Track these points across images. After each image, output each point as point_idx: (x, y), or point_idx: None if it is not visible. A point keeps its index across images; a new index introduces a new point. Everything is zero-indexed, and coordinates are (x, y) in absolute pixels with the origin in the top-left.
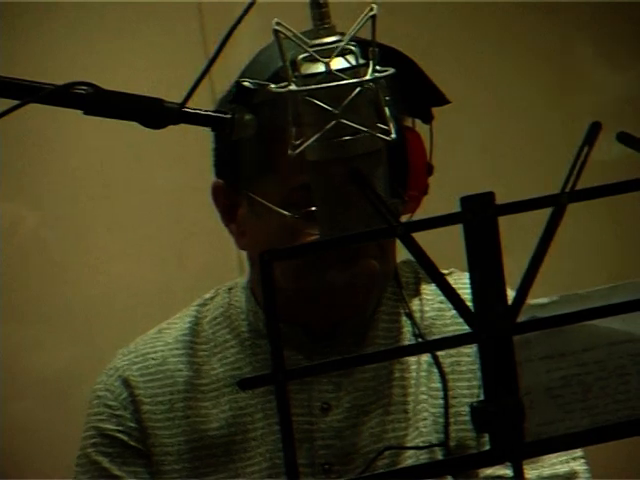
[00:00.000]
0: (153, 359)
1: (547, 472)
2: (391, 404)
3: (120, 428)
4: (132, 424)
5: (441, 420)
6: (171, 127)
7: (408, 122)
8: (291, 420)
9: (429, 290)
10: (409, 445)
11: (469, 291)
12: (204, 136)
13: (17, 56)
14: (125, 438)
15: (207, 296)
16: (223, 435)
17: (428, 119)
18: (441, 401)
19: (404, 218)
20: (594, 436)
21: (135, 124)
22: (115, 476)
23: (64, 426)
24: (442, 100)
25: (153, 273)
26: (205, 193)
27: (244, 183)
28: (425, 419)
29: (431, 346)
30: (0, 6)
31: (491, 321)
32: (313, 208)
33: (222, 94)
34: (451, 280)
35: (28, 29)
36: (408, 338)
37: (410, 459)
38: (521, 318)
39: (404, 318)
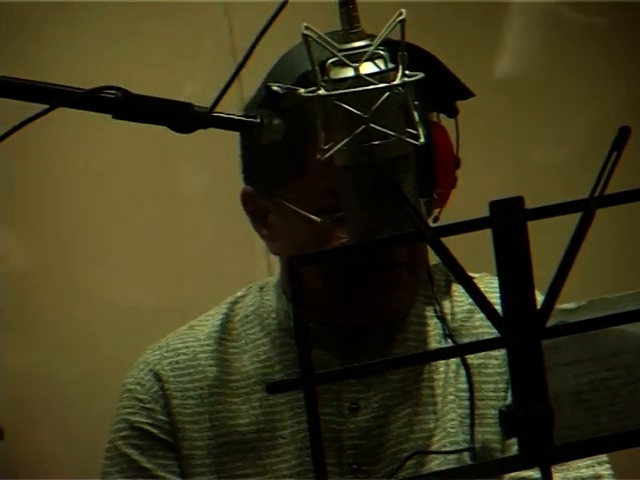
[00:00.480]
0: (184, 354)
1: (572, 475)
2: (419, 404)
3: (150, 421)
4: (162, 417)
5: (467, 421)
6: (199, 131)
7: (433, 117)
8: (319, 423)
9: (459, 292)
10: (436, 445)
11: (498, 295)
12: (232, 140)
13: (38, 58)
14: (155, 431)
15: (239, 294)
16: (252, 432)
17: (453, 113)
18: (467, 402)
19: (434, 212)
20: (622, 441)
21: (159, 128)
22: (145, 468)
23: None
24: (466, 93)
25: (174, 281)
26: (234, 198)
27: (273, 189)
28: (452, 420)
29: (460, 350)
30: (19, 6)
31: (520, 326)
32: (341, 213)
33: (249, 98)
34: (481, 284)
35: (53, 30)
36: (437, 340)
37: (437, 461)
38: (550, 323)
39: (435, 320)
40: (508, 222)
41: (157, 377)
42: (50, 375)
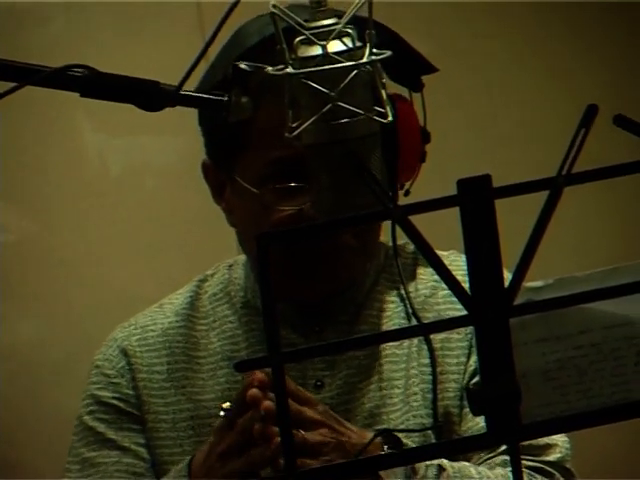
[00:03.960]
0: (152, 330)
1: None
2: (383, 380)
3: (116, 395)
4: (129, 391)
5: (429, 396)
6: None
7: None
8: (287, 401)
9: (424, 271)
10: (400, 419)
11: (463, 272)
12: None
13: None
14: (121, 404)
15: (208, 272)
16: (217, 407)
17: (418, 88)
18: (430, 377)
19: (406, 185)
20: (590, 419)
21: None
22: (111, 439)
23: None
24: (430, 68)
25: (154, 256)
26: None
27: (226, 163)
28: (416, 394)
29: (427, 328)
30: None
31: (487, 304)
32: (289, 185)
33: (202, 76)
34: (447, 261)
35: (27, 27)
36: (402, 317)
37: (403, 439)
38: (518, 301)
39: (399, 298)
40: (475, 200)
41: (124, 353)
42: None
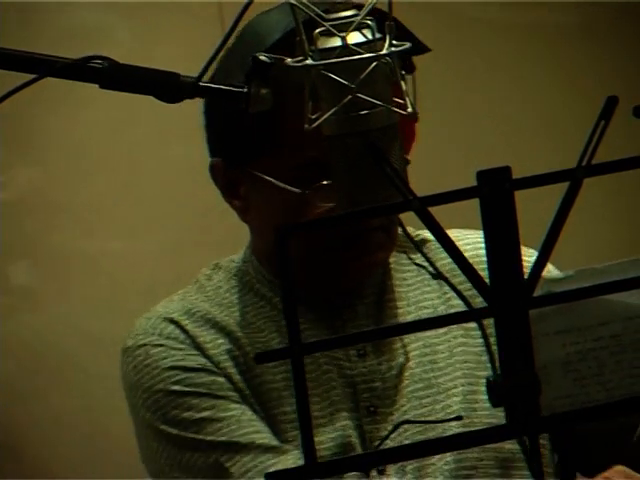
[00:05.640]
0: (197, 311)
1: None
2: (427, 346)
3: (200, 360)
4: (202, 358)
5: (478, 358)
6: (188, 102)
7: None
8: (307, 392)
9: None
10: (451, 384)
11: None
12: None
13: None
14: (209, 366)
15: (207, 272)
16: (283, 376)
17: (411, 69)
18: (478, 340)
19: None
20: (609, 410)
21: (151, 99)
22: (220, 396)
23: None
24: (422, 48)
25: (167, 251)
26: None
27: (246, 160)
28: (464, 358)
29: (445, 320)
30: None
31: (507, 295)
32: (324, 182)
33: (217, 68)
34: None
35: (43, 21)
36: (426, 284)
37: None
38: (537, 292)
39: (414, 266)
40: (495, 191)
41: (175, 324)
42: (50, 345)
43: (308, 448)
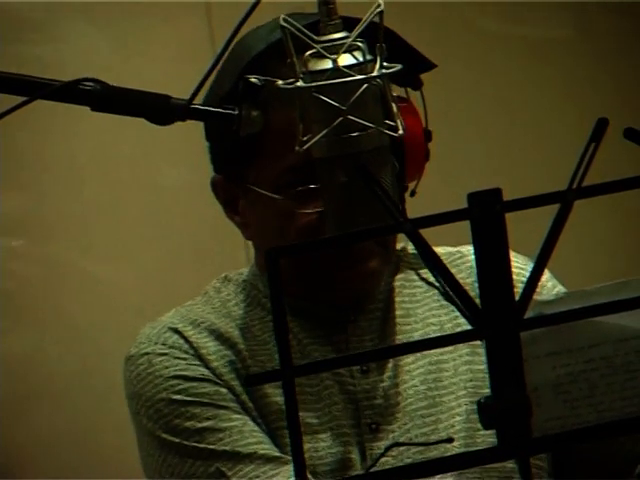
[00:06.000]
0: (202, 322)
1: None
2: (432, 363)
3: (202, 371)
4: (203, 369)
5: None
6: (179, 123)
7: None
8: (298, 413)
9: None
10: (454, 403)
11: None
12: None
13: (23, 56)
14: (211, 376)
15: (216, 284)
16: (280, 394)
17: (417, 85)
18: (482, 358)
19: (411, 185)
20: (600, 432)
21: (142, 120)
22: (222, 406)
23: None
24: (429, 65)
25: (158, 271)
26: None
27: (239, 174)
28: (469, 377)
29: (436, 342)
30: (4, 6)
31: (498, 317)
32: (299, 188)
33: (210, 86)
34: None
35: (34, 29)
36: (435, 300)
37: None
38: (528, 314)
39: (423, 282)
40: (486, 213)
41: (179, 334)
42: (45, 364)
43: (299, 468)
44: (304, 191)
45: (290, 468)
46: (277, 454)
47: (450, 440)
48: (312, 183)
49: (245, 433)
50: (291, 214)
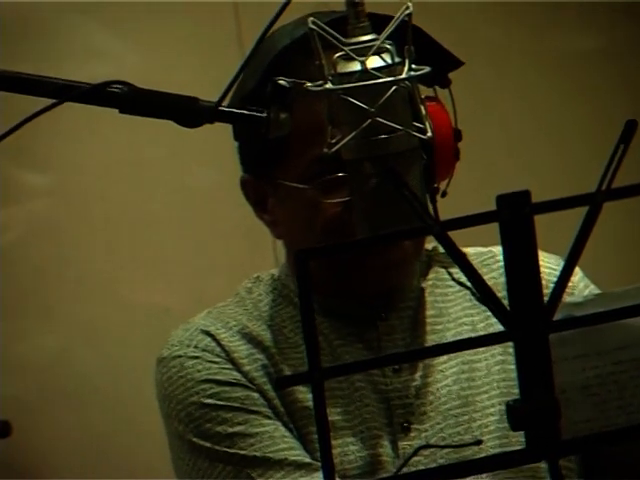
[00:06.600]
0: (234, 325)
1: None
2: (465, 363)
3: (235, 375)
4: (236, 372)
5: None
6: (207, 126)
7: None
8: (326, 415)
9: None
10: (487, 402)
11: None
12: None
13: (45, 55)
14: (243, 380)
15: (248, 285)
16: (311, 398)
17: (446, 84)
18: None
19: (442, 185)
20: (630, 434)
21: (170, 122)
22: (253, 411)
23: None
24: (457, 63)
25: (186, 272)
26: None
27: (267, 171)
28: (502, 377)
29: (464, 344)
30: (24, 5)
31: (527, 319)
32: (328, 177)
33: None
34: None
35: (59, 28)
36: (468, 300)
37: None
38: (557, 316)
39: (454, 282)
40: (515, 216)
41: (212, 336)
42: (72, 365)
43: (327, 474)
44: (331, 180)
45: (321, 475)
46: (308, 460)
47: (479, 442)
48: (339, 172)
49: (276, 439)
50: (318, 205)
